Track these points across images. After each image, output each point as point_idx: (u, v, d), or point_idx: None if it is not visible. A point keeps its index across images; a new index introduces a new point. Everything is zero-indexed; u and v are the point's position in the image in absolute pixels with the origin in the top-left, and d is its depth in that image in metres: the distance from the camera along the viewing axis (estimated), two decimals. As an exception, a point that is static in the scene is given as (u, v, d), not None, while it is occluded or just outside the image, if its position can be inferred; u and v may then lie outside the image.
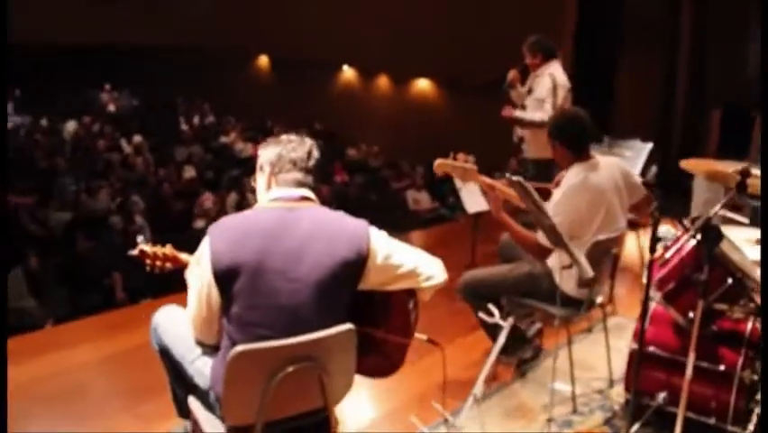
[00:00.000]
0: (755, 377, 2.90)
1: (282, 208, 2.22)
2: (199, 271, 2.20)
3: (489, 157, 8.60)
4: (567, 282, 3.32)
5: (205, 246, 2.17)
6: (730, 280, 2.68)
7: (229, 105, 16.62)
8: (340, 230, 2.20)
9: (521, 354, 3.72)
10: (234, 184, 9.45)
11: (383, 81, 14.41)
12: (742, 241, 3.42)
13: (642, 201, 3.56)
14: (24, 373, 3.81)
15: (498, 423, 3.31)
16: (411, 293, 2.35)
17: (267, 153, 2.34)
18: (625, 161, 6.10)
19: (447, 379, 3.59)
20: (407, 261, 2.28)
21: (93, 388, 3.79)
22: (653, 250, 2.62)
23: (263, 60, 17.16)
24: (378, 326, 2.35)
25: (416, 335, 2.40)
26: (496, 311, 3.30)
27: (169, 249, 2.68)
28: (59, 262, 7.02)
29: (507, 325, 3.26)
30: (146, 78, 17.04)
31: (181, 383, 2.49)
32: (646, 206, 3.56)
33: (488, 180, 3.46)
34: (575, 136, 3.34)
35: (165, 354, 2.51)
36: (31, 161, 10.79)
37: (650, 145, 7.62)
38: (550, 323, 3.67)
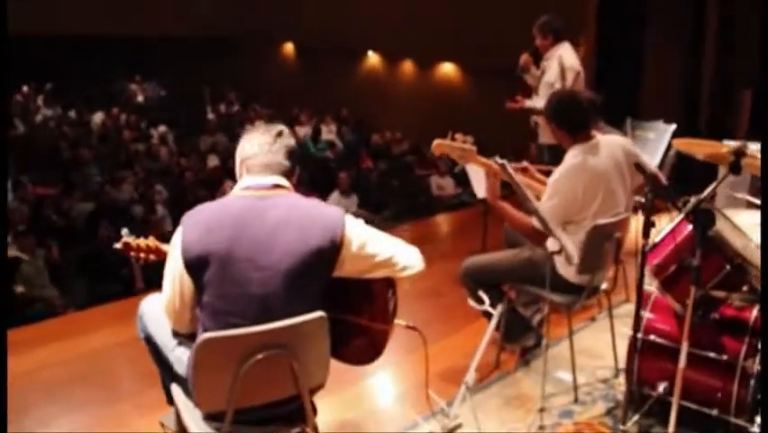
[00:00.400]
0: (759, 367, 2.80)
1: (254, 197, 2.19)
2: (173, 260, 2.19)
3: (512, 142, 8.45)
4: (567, 268, 3.24)
5: (177, 236, 2.17)
6: (728, 267, 2.56)
7: (255, 93, 16.66)
8: (313, 218, 2.16)
9: (524, 342, 3.65)
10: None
11: (408, 66, 14.29)
12: (754, 225, 3.27)
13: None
14: (31, 360, 3.90)
15: (495, 412, 3.25)
16: (390, 281, 2.31)
17: (239, 146, 2.34)
18: (648, 144, 5.95)
19: (454, 367, 3.57)
20: (383, 250, 2.24)
21: (99, 374, 3.85)
22: (646, 234, 2.53)
23: (289, 48, 17.15)
24: (357, 313, 2.31)
25: (396, 321, 2.35)
26: (486, 298, 3.24)
27: (151, 241, 2.68)
28: (81, 252, 7.13)
29: (496, 313, 3.19)
30: (174, 69, 17.16)
31: (166, 371, 2.50)
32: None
33: (487, 162, 3.37)
34: (570, 117, 3.25)
35: (150, 342, 2.52)
36: (57, 153, 10.95)
37: (673, 127, 7.41)
38: (558, 311, 3.60)
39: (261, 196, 2.19)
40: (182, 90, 17.16)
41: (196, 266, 2.10)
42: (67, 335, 4.45)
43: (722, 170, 6.06)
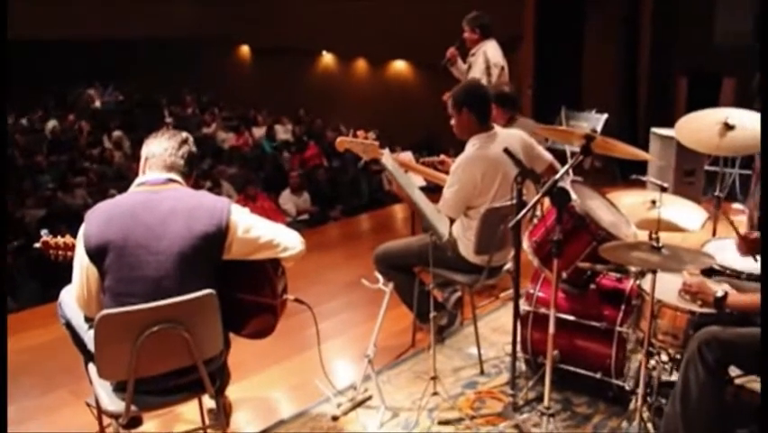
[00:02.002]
0: (631, 331, 3.08)
1: (149, 191, 2.43)
2: (80, 252, 2.41)
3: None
4: (468, 250, 3.49)
5: (81, 230, 2.39)
6: (594, 243, 2.83)
7: (212, 95, 16.80)
8: (199, 207, 2.40)
9: (437, 322, 3.89)
10: (208, 173, 9.64)
11: (361, 65, 14.53)
12: (638, 203, 3.52)
13: (545, 171, 3.69)
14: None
15: (405, 385, 3.52)
16: (276, 262, 2.55)
17: (145, 147, 2.57)
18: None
19: (382, 345, 3.80)
20: (266, 233, 2.48)
21: (41, 366, 4.02)
22: (517, 212, 2.79)
23: (244, 50, 17.30)
24: (250, 292, 2.54)
25: (286, 296, 2.59)
26: (380, 278, 3.49)
27: (68, 238, 2.89)
28: (31, 257, 7.23)
29: (387, 289, 3.44)
30: (130, 73, 17.18)
31: (84, 352, 2.71)
32: (550, 175, 3.69)
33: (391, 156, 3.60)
34: (482, 105, 3.50)
35: (69, 327, 2.73)
36: (9, 162, 10.94)
37: (605, 116, 7.79)
38: (479, 293, 3.81)
39: (155, 190, 2.43)
40: (139, 94, 17.22)
41: (96, 254, 2.33)
42: (13, 331, 4.59)
43: (652, 156, 6.38)
